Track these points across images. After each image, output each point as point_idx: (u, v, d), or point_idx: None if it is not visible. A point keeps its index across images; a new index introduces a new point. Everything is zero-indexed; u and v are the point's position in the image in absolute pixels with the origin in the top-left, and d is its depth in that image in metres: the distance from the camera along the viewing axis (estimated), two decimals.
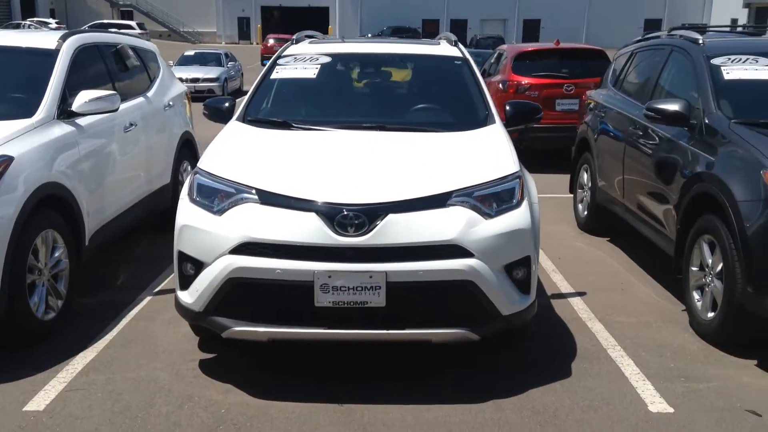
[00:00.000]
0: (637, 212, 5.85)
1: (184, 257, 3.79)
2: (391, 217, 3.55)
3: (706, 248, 4.54)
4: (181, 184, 6.75)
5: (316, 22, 51.95)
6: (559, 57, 11.05)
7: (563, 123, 9.92)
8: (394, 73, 5.64)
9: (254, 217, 3.63)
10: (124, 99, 5.56)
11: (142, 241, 6.51)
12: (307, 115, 5.00)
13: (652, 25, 50.83)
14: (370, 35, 43.23)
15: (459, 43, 5.76)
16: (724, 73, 5.07)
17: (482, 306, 3.63)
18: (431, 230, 3.57)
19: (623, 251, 6.49)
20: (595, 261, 6.27)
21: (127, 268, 5.80)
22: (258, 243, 3.57)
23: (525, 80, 10.50)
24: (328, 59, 5.31)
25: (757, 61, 5.08)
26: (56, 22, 46.26)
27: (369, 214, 3.54)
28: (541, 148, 10.39)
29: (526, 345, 4.38)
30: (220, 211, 3.72)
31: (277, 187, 3.73)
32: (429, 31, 53.28)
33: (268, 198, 3.68)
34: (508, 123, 4.87)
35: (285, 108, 5.09)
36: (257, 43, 51.96)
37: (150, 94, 6.49)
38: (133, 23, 47.41)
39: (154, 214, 6.43)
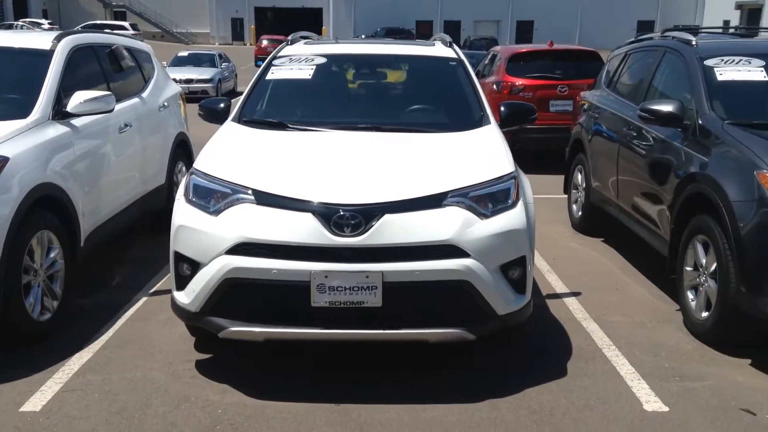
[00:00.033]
0: (632, 213, 5.88)
1: (180, 258, 3.79)
2: (387, 217, 3.56)
3: (700, 248, 4.57)
4: (176, 184, 6.77)
5: (310, 22, 51.96)
6: (553, 58, 11.09)
7: (557, 124, 9.97)
8: (389, 74, 5.66)
9: (250, 218, 3.63)
10: (119, 100, 5.55)
11: (137, 242, 6.50)
12: (302, 115, 5.00)
13: (645, 26, 51.07)
14: (363, 36, 43.22)
15: (454, 44, 5.78)
16: (717, 74, 5.10)
17: (478, 306, 3.65)
18: (427, 230, 3.58)
19: (617, 251, 6.51)
20: (590, 261, 6.29)
21: (122, 269, 5.80)
22: (254, 243, 3.57)
23: (519, 81, 10.53)
24: (323, 60, 5.31)
25: (749, 63, 5.11)
26: (49, 23, 46.12)
27: (365, 215, 3.55)
28: (535, 149, 10.43)
29: (522, 345, 4.39)
30: (217, 212, 3.72)
31: (274, 187, 3.73)
32: (423, 32, 53.35)
33: (264, 198, 3.69)
34: (503, 124, 4.89)
35: (281, 109, 5.09)
36: (251, 44, 51.92)
37: (145, 94, 6.48)
38: (126, 24, 47.24)
39: (149, 215, 6.42)
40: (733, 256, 4.14)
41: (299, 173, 3.89)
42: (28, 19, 46.16)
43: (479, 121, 4.77)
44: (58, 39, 5.29)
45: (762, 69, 5.04)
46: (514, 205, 3.83)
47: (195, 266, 3.71)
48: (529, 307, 3.90)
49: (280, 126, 4.63)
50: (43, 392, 3.76)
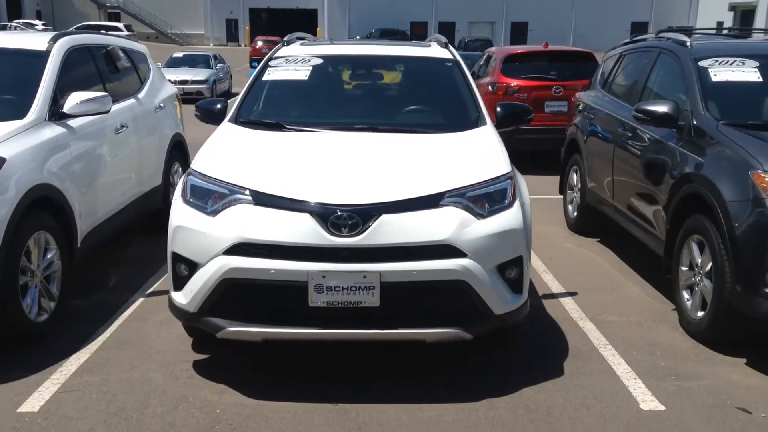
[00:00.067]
0: (627, 213, 5.90)
1: (178, 258, 3.80)
2: (384, 217, 3.57)
3: (695, 248, 4.59)
4: (172, 185, 6.77)
5: (305, 24, 51.86)
6: (548, 59, 11.11)
7: (552, 125, 9.99)
8: (385, 75, 5.67)
9: (248, 218, 3.64)
10: (115, 100, 5.56)
11: (134, 243, 6.50)
12: (299, 116, 5.01)
13: (639, 27, 51.15)
14: (358, 37, 43.22)
15: (450, 45, 5.80)
16: (711, 74, 5.12)
17: (475, 305, 3.66)
18: (424, 230, 3.60)
19: (613, 252, 6.54)
20: (586, 261, 6.32)
21: (118, 270, 5.79)
22: (252, 243, 3.58)
23: (514, 82, 10.56)
24: (319, 61, 5.32)
25: (743, 63, 5.14)
26: (43, 24, 46.01)
27: (362, 215, 3.56)
28: (530, 149, 10.45)
29: (519, 344, 4.41)
30: (214, 212, 3.73)
31: (271, 187, 3.74)
32: (417, 33, 53.34)
33: (261, 199, 3.70)
34: (499, 124, 4.90)
35: (277, 109, 5.10)
36: (245, 45, 51.85)
37: (141, 95, 6.48)
38: (120, 25, 47.21)
39: (146, 216, 6.42)
40: (728, 255, 4.17)
41: (297, 174, 3.90)
42: (21, 20, 46.04)
43: (475, 122, 4.79)
44: (54, 40, 5.28)
45: (756, 70, 5.07)
46: (510, 205, 3.85)
47: (193, 267, 3.71)
48: (526, 307, 3.92)
49: (277, 127, 4.64)
50: (41, 393, 3.75)
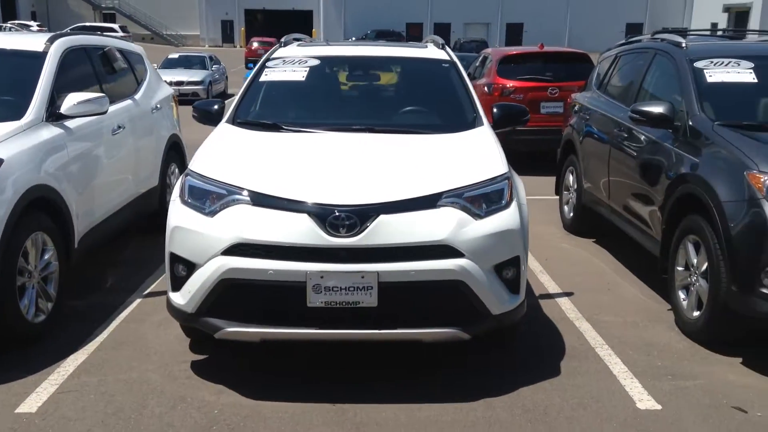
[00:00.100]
0: (623, 213, 5.92)
1: (176, 259, 3.80)
2: (382, 217, 3.58)
3: (691, 248, 4.61)
4: (169, 186, 6.77)
5: (300, 25, 51.90)
6: (544, 60, 11.14)
7: (548, 126, 10.02)
8: (382, 76, 5.69)
9: (246, 219, 3.64)
10: (112, 101, 5.55)
11: (130, 244, 6.50)
12: (296, 117, 5.02)
13: (634, 28, 51.23)
14: (354, 38, 43.24)
15: (446, 46, 5.82)
16: (707, 75, 5.15)
17: (473, 306, 3.67)
18: (422, 231, 3.61)
19: (609, 252, 6.56)
20: (582, 262, 6.33)
21: (115, 271, 5.79)
22: (250, 244, 3.59)
23: (510, 83, 10.59)
24: (316, 62, 5.33)
25: (738, 64, 5.17)
26: (38, 25, 45.89)
27: (360, 215, 3.57)
28: (526, 150, 10.47)
29: (516, 344, 4.42)
30: (212, 213, 3.73)
31: (269, 188, 3.75)
32: (413, 34, 53.46)
33: (259, 199, 3.70)
34: (495, 125, 4.91)
35: (275, 110, 5.11)
36: (241, 46, 51.85)
37: (137, 96, 6.48)
38: (115, 26, 47.05)
39: (142, 217, 6.42)
40: (723, 255, 4.19)
41: (294, 174, 3.91)
42: (16, 21, 45.90)
43: (472, 123, 4.80)
44: (51, 41, 5.29)
45: (751, 71, 5.09)
46: (507, 205, 3.86)
47: (191, 267, 3.72)
48: (523, 307, 3.93)
49: (275, 127, 4.64)
50: (39, 394, 3.75)
